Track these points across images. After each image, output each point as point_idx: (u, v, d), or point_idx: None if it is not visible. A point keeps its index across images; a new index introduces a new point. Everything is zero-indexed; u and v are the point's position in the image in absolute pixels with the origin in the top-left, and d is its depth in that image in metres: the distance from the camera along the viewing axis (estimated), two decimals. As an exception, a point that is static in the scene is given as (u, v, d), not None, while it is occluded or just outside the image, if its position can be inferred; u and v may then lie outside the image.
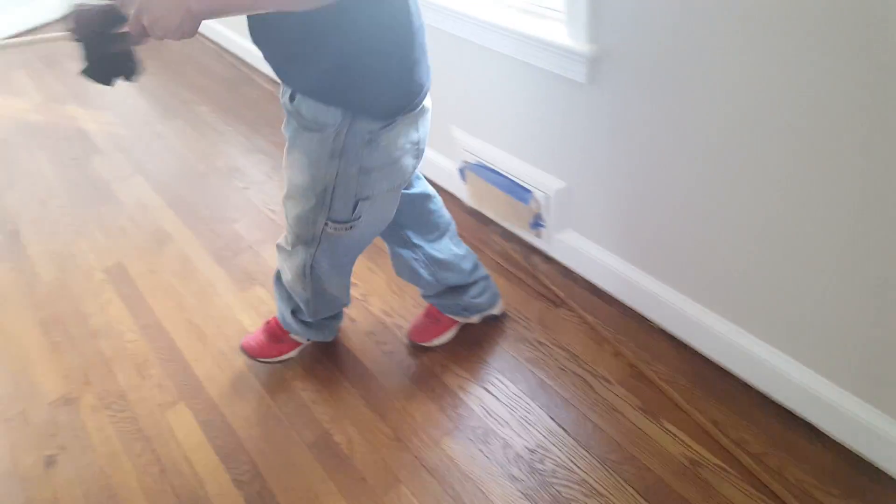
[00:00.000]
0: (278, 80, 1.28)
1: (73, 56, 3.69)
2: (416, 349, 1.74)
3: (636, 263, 1.66)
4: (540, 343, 1.70)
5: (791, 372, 1.40)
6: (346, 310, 1.86)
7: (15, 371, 1.86)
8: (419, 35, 1.12)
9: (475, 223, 2.08)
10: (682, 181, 1.39)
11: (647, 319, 1.70)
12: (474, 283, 1.66)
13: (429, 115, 1.24)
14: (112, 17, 1.03)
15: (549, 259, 1.91)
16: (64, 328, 1.97)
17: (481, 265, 1.67)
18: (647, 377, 1.57)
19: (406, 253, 1.54)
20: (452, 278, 1.60)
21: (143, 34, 0.95)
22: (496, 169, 1.88)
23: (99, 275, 2.14)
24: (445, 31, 1.78)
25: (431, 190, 1.53)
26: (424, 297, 1.71)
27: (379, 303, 1.89)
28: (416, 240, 1.53)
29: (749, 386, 1.52)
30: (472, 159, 1.96)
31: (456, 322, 1.75)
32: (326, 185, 1.21)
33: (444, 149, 2.15)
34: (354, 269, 1.99)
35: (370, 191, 1.23)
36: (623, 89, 1.39)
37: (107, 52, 1.05)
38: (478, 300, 1.68)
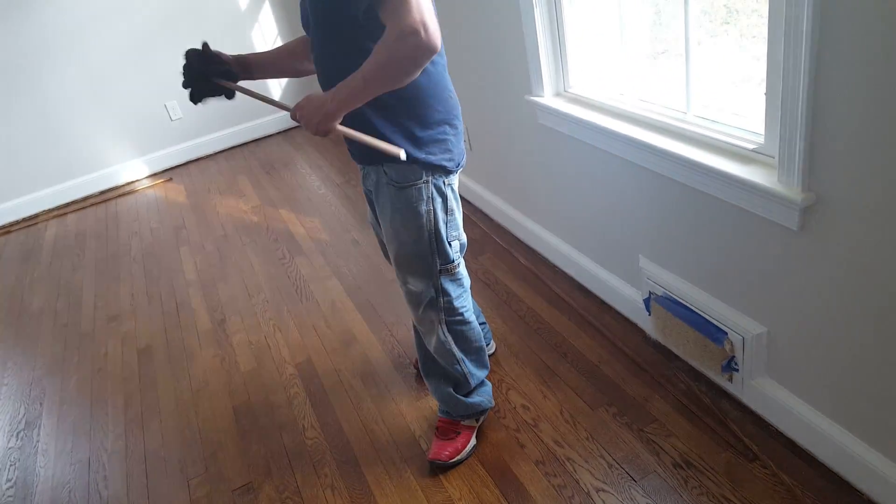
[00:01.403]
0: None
1: (288, 166, 4.19)
2: (588, 485, 1.65)
3: (845, 424, 1.48)
4: (727, 500, 1.53)
5: None
6: (516, 434, 1.83)
7: (207, 454, 2.02)
8: (460, 112, 1.55)
9: (659, 357, 1.98)
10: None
11: (855, 489, 1.48)
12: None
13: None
14: (207, 58, 1.54)
15: (741, 406, 1.75)
16: (254, 417, 2.12)
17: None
18: (862, 563, 1.35)
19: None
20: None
21: (297, 123, 1.34)
22: (687, 304, 1.80)
23: (290, 369, 2.30)
24: (637, 163, 1.79)
25: None
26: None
27: (550, 430, 1.83)
28: None
29: None
30: (659, 291, 1.90)
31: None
32: (429, 230, 1.53)
33: (629, 277, 2.11)
34: (526, 391, 1.98)
35: (455, 230, 1.58)
36: (840, 239, 1.29)
37: (197, 79, 1.54)
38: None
